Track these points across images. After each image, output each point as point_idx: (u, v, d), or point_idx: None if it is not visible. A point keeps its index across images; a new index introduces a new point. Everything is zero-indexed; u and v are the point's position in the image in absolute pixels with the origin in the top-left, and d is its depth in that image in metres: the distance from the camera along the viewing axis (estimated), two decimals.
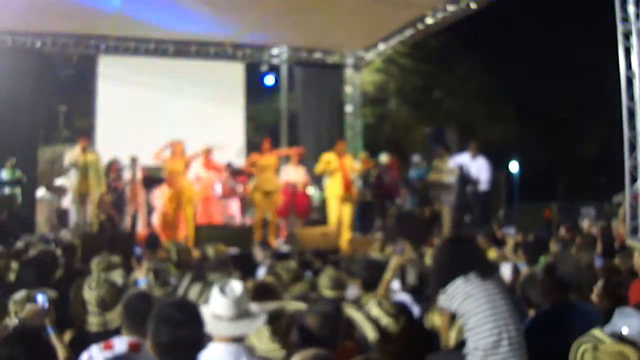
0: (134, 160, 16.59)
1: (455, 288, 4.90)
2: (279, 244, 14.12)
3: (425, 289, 6.45)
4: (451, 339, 5.18)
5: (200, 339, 3.55)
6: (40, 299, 5.17)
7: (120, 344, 4.28)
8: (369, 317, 4.60)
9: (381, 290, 6.17)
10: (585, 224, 12.09)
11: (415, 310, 6.10)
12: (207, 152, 15.93)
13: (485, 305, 4.76)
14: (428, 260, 7.43)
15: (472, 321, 4.75)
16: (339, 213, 14.38)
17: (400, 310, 4.67)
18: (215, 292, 4.13)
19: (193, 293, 5.24)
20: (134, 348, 4.23)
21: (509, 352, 4.60)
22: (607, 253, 9.04)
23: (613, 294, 6.09)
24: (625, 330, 4.29)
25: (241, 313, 4.09)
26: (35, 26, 16.63)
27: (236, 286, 4.15)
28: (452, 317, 5.12)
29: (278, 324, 4.47)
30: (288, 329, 4.33)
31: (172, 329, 3.45)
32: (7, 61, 16.32)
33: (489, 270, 5.27)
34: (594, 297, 5.91)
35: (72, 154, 14.31)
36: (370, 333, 4.50)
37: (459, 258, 5.17)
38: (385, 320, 4.54)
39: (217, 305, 4.08)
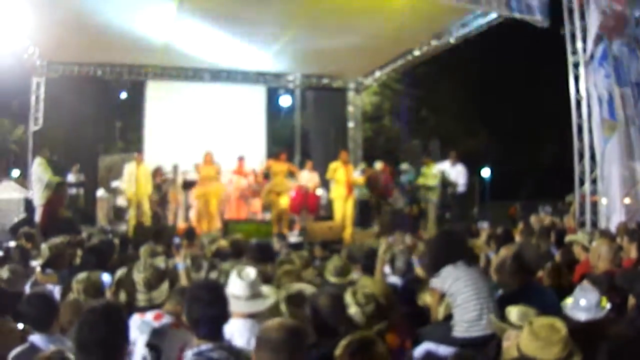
0: (175, 168, 16.72)
1: (447, 272, 4.97)
2: (293, 235, 14.14)
3: (411, 273, 6.49)
4: (440, 313, 5.20)
5: (226, 315, 3.56)
6: (106, 277, 5.25)
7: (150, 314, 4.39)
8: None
9: (377, 274, 6.16)
10: (532, 218, 12.01)
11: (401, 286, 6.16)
12: (240, 160, 16.11)
13: (470, 286, 4.83)
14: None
15: (460, 299, 4.81)
16: (343, 211, 14.41)
17: (369, 301, 4.64)
18: (233, 276, 4.21)
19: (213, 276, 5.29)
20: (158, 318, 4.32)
21: (488, 324, 4.61)
22: (559, 243, 9.00)
23: (559, 275, 6.14)
24: (583, 302, 4.33)
25: (255, 294, 4.17)
26: (96, 58, 16.71)
27: (251, 271, 4.23)
28: (441, 297, 5.15)
29: (297, 302, 4.47)
30: (302, 307, 4.31)
31: (202, 306, 3.46)
32: (74, 87, 16.43)
33: (473, 259, 5.38)
34: (544, 277, 5.97)
35: (129, 168, 14.47)
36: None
37: (450, 249, 5.23)
38: (354, 310, 4.52)
39: (235, 287, 4.17)
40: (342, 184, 14.44)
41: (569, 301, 4.49)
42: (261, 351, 3.12)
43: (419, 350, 4.48)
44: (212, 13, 13.11)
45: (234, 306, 4.06)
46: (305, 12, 13.17)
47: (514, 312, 3.96)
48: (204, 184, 14.53)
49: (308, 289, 4.86)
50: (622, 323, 4.34)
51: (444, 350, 4.48)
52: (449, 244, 5.42)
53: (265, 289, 4.36)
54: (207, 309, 3.47)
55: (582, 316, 4.29)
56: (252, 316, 4.13)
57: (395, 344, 4.43)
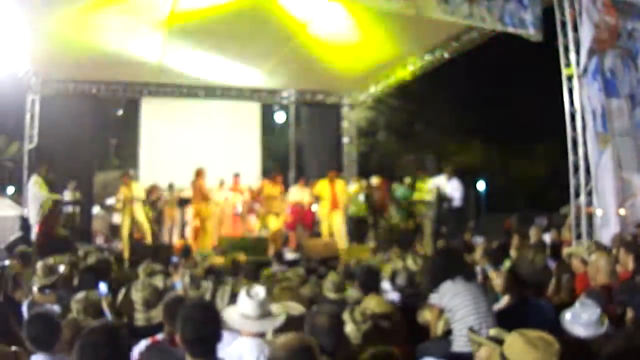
0: (171, 186, 16.73)
1: (445, 288, 5.00)
2: (289, 252, 14.13)
3: (411, 289, 6.49)
4: (439, 329, 5.22)
5: (219, 335, 3.56)
6: (102, 287, 5.25)
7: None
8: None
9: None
10: (531, 231, 11.97)
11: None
12: (236, 177, 16.20)
13: (470, 301, 4.86)
14: (410, 263, 7.43)
15: (459, 314, 4.84)
16: (328, 226, 14.76)
17: (365, 319, 4.64)
18: (242, 294, 4.17)
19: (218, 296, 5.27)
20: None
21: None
22: (556, 256, 9.00)
23: (563, 289, 6.13)
24: (584, 317, 4.33)
25: (265, 313, 4.14)
26: (91, 75, 16.77)
27: (260, 290, 4.20)
28: (440, 312, 5.16)
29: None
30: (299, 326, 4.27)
31: (196, 327, 3.46)
32: (70, 104, 16.40)
33: (471, 275, 5.39)
34: (549, 293, 5.96)
35: (121, 192, 14.49)
36: None
37: (448, 265, 5.27)
38: (349, 328, 4.50)
39: (244, 306, 4.13)
40: (327, 201, 14.72)
41: (568, 314, 4.49)
42: None
43: None
44: (204, 31, 13.14)
45: (244, 325, 4.10)
46: (298, 30, 13.21)
47: (491, 331, 3.95)
48: (198, 201, 14.50)
49: (295, 308, 4.83)
50: (620, 337, 4.34)
51: None
52: (447, 260, 5.45)
53: (275, 307, 4.34)
54: (201, 330, 3.47)
55: (581, 332, 4.29)
56: (261, 335, 4.11)
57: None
